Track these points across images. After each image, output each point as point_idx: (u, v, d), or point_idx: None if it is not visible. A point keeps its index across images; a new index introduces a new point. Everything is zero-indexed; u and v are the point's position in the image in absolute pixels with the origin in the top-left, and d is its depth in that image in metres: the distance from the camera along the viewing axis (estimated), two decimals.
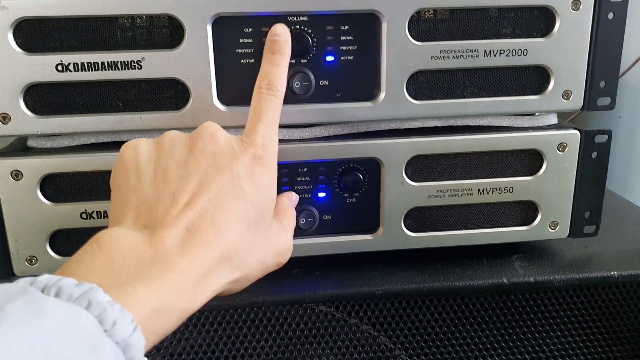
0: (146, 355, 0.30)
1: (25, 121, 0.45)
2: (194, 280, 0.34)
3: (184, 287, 0.34)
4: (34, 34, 0.44)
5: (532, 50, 0.48)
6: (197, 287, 0.35)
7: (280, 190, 0.50)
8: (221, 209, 0.36)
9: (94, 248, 0.33)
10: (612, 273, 0.52)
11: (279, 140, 0.48)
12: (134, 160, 0.38)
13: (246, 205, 0.38)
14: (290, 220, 0.44)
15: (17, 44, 0.43)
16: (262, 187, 0.39)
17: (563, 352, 0.54)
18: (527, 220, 0.53)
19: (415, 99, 0.48)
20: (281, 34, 0.44)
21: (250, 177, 0.38)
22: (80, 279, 0.30)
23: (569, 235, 0.54)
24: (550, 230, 0.53)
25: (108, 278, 0.32)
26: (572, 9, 0.48)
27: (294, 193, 0.48)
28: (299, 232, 0.51)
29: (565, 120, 0.98)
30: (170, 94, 0.46)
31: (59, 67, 0.44)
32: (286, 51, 0.44)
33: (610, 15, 0.48)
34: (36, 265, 0.48)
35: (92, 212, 0.48)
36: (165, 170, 0.37)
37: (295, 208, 0.50)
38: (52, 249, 0.48)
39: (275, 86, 0.42)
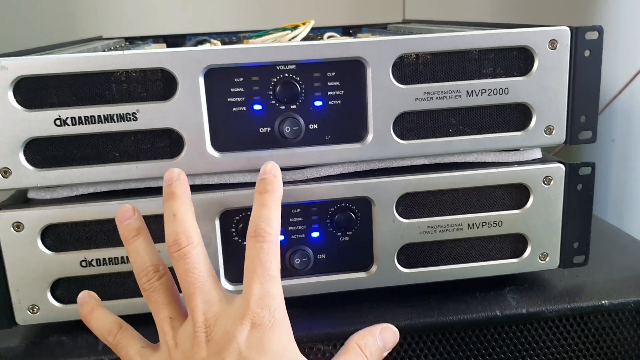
0: None
1: (26, 174, 0.46)
2: None
3: None
4: (32, 91, 0.45)
5: (512, 88, 0.50)
6: None
7: None
8: None
9: None
10: (603, 302, 0.53)
11: None
12: None
13: None
14: None
15: (17, 101, 0.45)
16: (277, 351, 0.37)
17: None
18: (518, 252, 0.54)
19: (402, 139, 0.50)
20: (269, 171, 0.42)
21: (258, 350, 0.36)
22: None
23: (559, 266, 0.55)
24: (540, 261, 0.54)
25: None
26: (550, 48, 0.50)
27: None
28: (293, 272, 0.52)
29: (556, 148, 1.00)
30: (165, 143, 0.48)
31: (57, 122, 0.46)
32: (275, 188, 0.41)
33: (587, 53, 0.50)
34: (38, 313, 0.49)
35: (92, 259, 0.49)
36: None
37: (290, 248, 0.52)
38: (53, 297, 0.49)
39: (265, 230, 0.39)
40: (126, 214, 0.42)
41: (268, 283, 0.38)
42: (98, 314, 0.43)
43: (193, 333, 0.38)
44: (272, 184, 0.41)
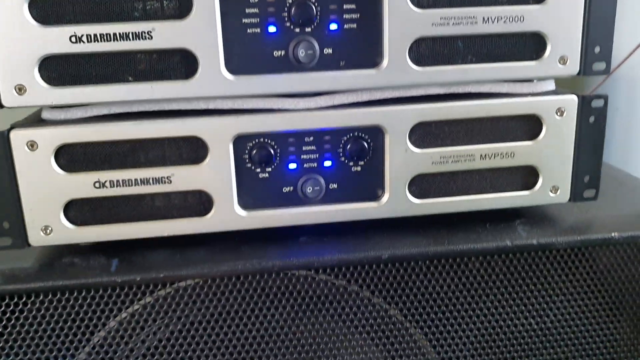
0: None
1: (40, 92, 0.46)
2: None
3: None
4: (48, 7, 0.45)
5: (528, 16, 0.50)
6: None
7: (287, 160, 0.51)
8: None
9: None
10: (613, 234, 0.53)
11: (285, 109, 0.50)
12: None
13: None
14: None
15: (33, 16, 0.45)
16: None
17: (566, 313, 0.55)
18: (529, 185, 0.55)
19: (418, 65, 0.50)
20: None
21: None
22: None
23: (569, 200, 0.55)
24: (551, 194, 0.55)
25: None
26: None
27: None
28: (306, 201, 0.52)
29: None
30: (179, 63, 0.47)
31: (73, 39, 0.46)
32: None
33: None
34: (51, 234, 0.49)
35: (105, 181, 0.49)
36: None
37: (302, 176, 0.52)
38: (66, 218, 0.50)
39: None
40: None
41: None
42: None
43: None
44: None
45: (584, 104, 0.53)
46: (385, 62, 0.49)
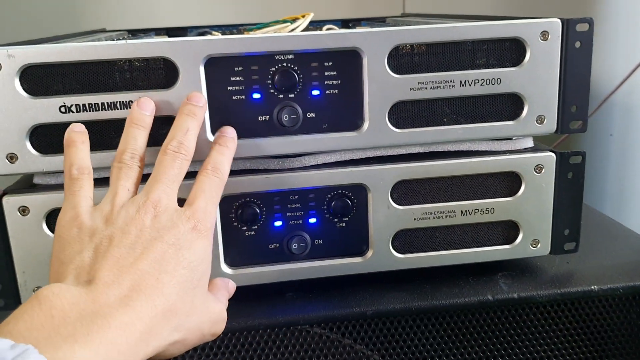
0: None
1: (31, 160, 0.48)
2: (135, 337, 0.35)
3: (125, 343, 0.34)
4: (38, 79, 0.47)
5: (505, 79, 0.51)
6: (137, 345, 0.36)
7: (273, 218, 0.53)
8: (164, 273, 0.39)
9: (33, 304, 0.34)
10: (593, 287, 0.54)
11: (271, 170, 0.52)
12: (79, 226, 0.40)
13: (186, 272, 0.40)
14: (223, 296, 0.46)
15: (24, 88, 0.47)
16: (200, 256, 0.41)
17: None
18: (510, 239, 0.56)
19: (397, 127, 0.51)
20: (229, 132, 0.48)
21: (188, 247, 0.40)
22: (18, 338, 0.31)
23: (550, 253, 0.56)
24: (532, 248, 0.56)
25: (47, 334, 0.32)
26: (541, 39, 0.51)
27: (230, 280, 0.49)
28: (291, 257, 0.54)
29: (556, 141, 1.02)
30: (166, 131, 0.49)
31: (62, 109, 0.47)
32: (231, 146, 0.47)
33: (578, 44, 0.51)
34: None
35: None
36: (111, 239, 0.39)
37: (288, 234, 0.53)
38: None
39: (220, 170, 0.45)
40: (148, 106, 0.46)
41: (211, 205, 0.43)
42: (81, 148, 0.44)
43: (143, 203, 0.41)
44: (230, 143, 0.47)
45: (562, 160, 0.54)
46: (366, 125, 0.51)
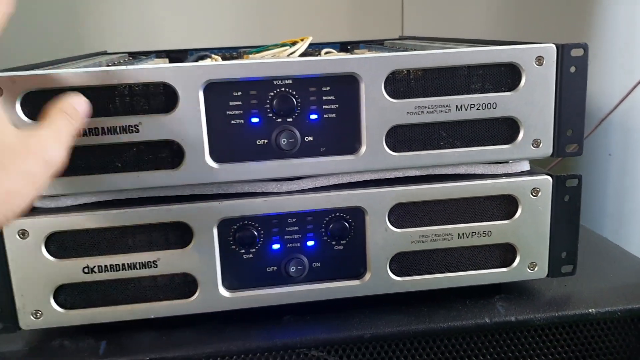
0: None
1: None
2: None
3: None
4: (39, 104, 0.47)
5: (500, 103, 0.52)
6: None
7: (271, 241, 0.53)
8: None
9: None
10: (591, 310, 0.54)
11: (269, 193, 0.52)
12: None
13: None
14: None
15: (24, 113, 0.47)
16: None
17: None
18: (507, 262, 0.56)
19: (394, 151, 0.52)
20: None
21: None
22: None
23: (547, 275, 0.56)
24: (529, 270, 0.56)
25: None
26: (536, 64, 0.52)
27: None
28: (289, 280, 0.54)
29: (553, 162, 1.02)
30: (166, 154, 0.49)
31: None
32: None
33: (573, 69, 0.52)
34: (41, 318, 0.51)
35: (94, 266, 0.51)
36: None
37: (286, 257, 0.53)
38: (56, 302, 0.51)
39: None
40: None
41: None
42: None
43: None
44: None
45: (559, 183, 0.54)
46: (363, 149, 0.51)
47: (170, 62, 0.85)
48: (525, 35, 1.12)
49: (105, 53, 0.85)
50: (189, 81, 0.48)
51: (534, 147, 0.53)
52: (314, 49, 0.84)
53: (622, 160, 1.03)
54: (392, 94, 0.51)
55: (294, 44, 0.73)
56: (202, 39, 1.11)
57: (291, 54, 0.71)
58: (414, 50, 0.70)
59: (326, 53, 0.82)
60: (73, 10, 1.10)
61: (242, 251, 0.53)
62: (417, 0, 1.21)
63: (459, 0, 1.21)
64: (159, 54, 0.87)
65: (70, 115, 0.42)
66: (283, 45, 0.74)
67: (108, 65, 0.65)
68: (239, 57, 0.84)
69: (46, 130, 0.39)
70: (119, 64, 0.72)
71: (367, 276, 0.54)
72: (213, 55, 0.81)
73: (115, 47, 0.97)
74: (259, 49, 0.75)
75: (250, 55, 0.73)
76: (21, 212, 0.37)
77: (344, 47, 0.91)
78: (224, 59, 0.80)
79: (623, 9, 0.95)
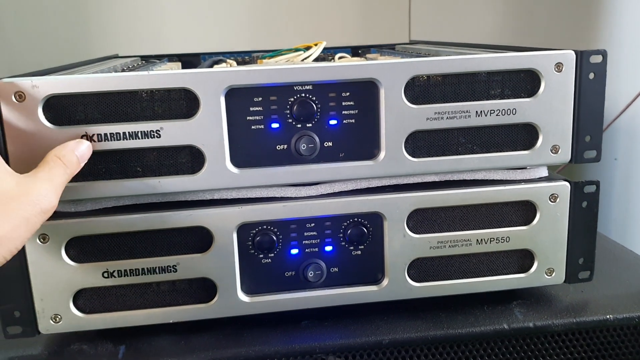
0: None
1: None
2: None
3: None
4: (61, 109, 0.47)
5: (520, 109, 0.52)
6: None
7: (289, 246, 0.53)
8: None
9: None
10: (608, 316, 0.54)
11: (288, 198, 0.52)
12: None
13: None
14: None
15: (47, 118, 0.47)
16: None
17: None
18: (525, 267, 0.56)
19: (413, 156, 0.52)
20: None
21: None
22: None
23: (565, 281, 0.56)
24: (546, 276, 0.56)
25: None
26: (556, 71, 0.52)
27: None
28: (307, 285, 0.54)
29: (560, 166, 1.02)
30: (186, 159, 0.50)
31: (84, 137, 0.48)
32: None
33: (591, 76, 0.52)
34: (60, 322, 0.51)
35: (114, 271, 0.51)
36: None
37: (304, 261, 0.54)
38: (75, 307, 0.51)
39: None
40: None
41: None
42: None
43: None
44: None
45: (577, 189, 0.54)
46: (382, 154, 0.51)
47: (183, 66, 0.85)
48: (531, 39, 1.12)
49: (117, 57, 0.86)
50: (210, 87, 0.48)
51: (552, 153, 0.53)
52: (326, 53, 0.84)
53: (628, 165, 1.03)
54: (412, 100, 0.51)
55: (307, 48, 0.73)
56: (213, 43, 1.11)
57: (305, 58, 0.71)
58: (428, 55, 0.70)
59: (340, 58, 0.82)
60: (84, 14, 1.10)
61: (261, 256, 0.53)
62: (424, 4, 1.21)
63: (465, 4, 1.21)
64: (171, 57, 0.87)
65: (66, 163, 0.45)
66: (297, 50, 0.74)
67: (123, 69, 0.66)
68: (253, 61, 0.84)
69: (41, 177, 0.43)
70: (134, 67, 0.72)
71: (385, 282, 0.54)
72: (228, 60, 0.81)
73: (126, 51, 0.97)
74: (272, 53, 0.75)
75: (264, 60, 0.74)
76: (15, 253, 0.40)
77: (355, 51, 0.91)
78: (237, 63, 0.80)
79: (629, 15, 0.95)
